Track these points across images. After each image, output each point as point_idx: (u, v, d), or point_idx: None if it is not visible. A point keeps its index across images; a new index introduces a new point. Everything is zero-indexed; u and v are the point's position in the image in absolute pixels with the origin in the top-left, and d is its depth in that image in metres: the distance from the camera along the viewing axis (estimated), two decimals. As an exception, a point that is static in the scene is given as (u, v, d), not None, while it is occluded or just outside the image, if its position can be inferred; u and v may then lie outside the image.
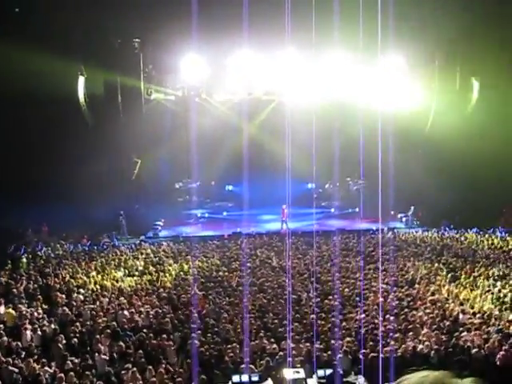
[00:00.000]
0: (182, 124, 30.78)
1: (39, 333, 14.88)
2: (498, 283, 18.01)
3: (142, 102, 29.86)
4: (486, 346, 13.26)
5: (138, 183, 30.42)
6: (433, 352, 13.22)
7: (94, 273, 20.06)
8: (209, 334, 14.57)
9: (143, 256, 22.74)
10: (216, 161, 31.32)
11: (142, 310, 16.43)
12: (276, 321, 15.52)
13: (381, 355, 12.76)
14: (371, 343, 13.70)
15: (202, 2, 23.26)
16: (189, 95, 30.93)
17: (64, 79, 26.74)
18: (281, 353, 13.37)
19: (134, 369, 12.72)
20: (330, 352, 13.32)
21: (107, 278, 19.53)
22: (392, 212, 29.59)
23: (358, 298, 16.76)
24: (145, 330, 14.90)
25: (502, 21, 27.65)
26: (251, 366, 12.94)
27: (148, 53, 29.62)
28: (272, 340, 14.31)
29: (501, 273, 19.15)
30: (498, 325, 14.41)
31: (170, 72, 30.39)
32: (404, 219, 29.60)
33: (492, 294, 16.96)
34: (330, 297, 17.25)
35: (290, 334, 14.13)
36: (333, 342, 13.80)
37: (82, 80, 28.51)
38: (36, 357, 13.56)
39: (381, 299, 16.69)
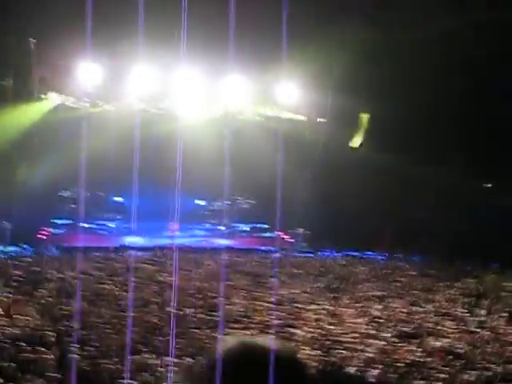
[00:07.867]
0: (73, 132, 29.87)
1: None
2: (376, 304, 18.87)
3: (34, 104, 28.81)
4: (363, 363, 13.78)
5: (21, 189, 29.12)
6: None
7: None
8: (89, 348, 14.14)
9: (23, 265, 21.85)
10: (106, 171, 30.60)
11: (18, 321, 15.69)
12: (159, 336, 15.34)
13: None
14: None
15: (99, 7, 22.86)
16: (83, 102, 30.17)
17: None
18: (162, 368, 13.22)
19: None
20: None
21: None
22: (280, 233, 30.22)
23: None
24: (22, 343, 14.23)
25: None
26: (131, 381, 12.69)
27: (44, 54, 28.56)
28: (153, 355, 14.11)
29: (379, 294, 20.11)
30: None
31: (65, 77, 29.46)
32: (291, 240, 30.25)
33: (369, 314, 17.75)
34: (214, 313, 17.31)
35: (173, 349, 14.02)
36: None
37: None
38: None
39: (264, 317, 17.00)
